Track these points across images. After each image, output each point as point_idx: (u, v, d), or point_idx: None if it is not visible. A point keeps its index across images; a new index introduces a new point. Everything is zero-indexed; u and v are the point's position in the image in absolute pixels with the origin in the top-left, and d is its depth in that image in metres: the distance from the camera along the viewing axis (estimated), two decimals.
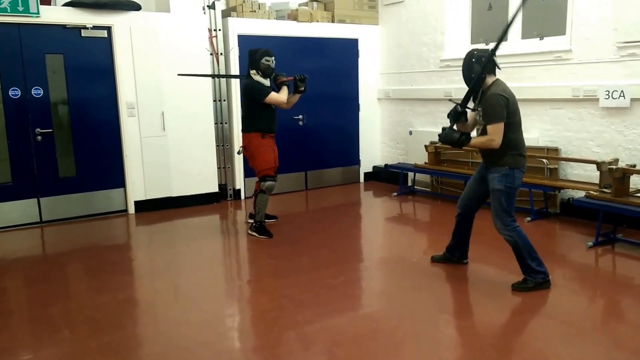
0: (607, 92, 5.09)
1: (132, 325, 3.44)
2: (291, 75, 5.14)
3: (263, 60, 4.98)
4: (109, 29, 5.87)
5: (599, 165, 4.72)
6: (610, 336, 3.11)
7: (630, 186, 4.65)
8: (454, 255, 4.27)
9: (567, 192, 5.53)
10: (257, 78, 5.02)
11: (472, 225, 4.15)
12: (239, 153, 5.45)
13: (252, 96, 5.00)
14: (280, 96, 5.04)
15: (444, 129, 3.76)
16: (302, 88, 5.18)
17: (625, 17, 4.94)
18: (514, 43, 6.17)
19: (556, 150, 5.60)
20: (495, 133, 3.58)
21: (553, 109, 5.67)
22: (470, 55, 3.72)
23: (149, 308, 3.73)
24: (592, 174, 5.17)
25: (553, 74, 5.62)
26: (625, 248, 4.58)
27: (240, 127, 6.68)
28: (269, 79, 5.07)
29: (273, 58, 5.05)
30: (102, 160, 6.05)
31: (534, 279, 3.71)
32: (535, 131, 5.83)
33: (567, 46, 5.47)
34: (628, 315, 3.46)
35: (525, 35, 6.09)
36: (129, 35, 5.93)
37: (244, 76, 5.23)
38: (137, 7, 5.98)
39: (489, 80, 3.67)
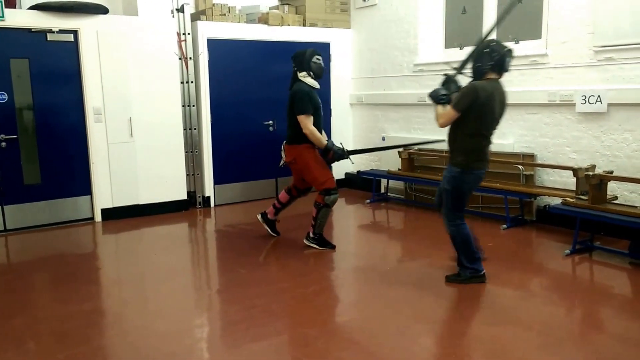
0: (583, 97, 5.05)
1: (99, 337, 3.31)
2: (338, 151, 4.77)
3: (314, 59, 4.71)
4: (75, 32, 5.69)
5: (576, 171, 4.67)
6: (588, 346, 3.05)
7: (608, 193, 4.59)
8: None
9: (544, 199, 5.46)
10: (308, 80, 4.71)
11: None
12: (281, 165, 5.03)
13: (295, 104, 4.62)
14: (317, 135, 4.62)
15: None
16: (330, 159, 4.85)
17: (602, 20, 4.91)
18: None
19: (532, 156, 5.54)
20: (444, 116, 3.65)
21: (529, 114, 5.61)
22: (484, 45, 3.66)
23: (116, 319, 3.59)
24: (568, 181, 5.12)
25: (529, 78, 5.57)
26: (602, 256, 4.51)
27: (210, 133, 6.58)
28: (316, 82, 4.77)
29: (321, 57, 4.79)
30: (68, 167, 5.85)
31: (463, 272, 3.89)
32: (511, 137, 5.76)
33: (543, 50, 5.43)
34: (606, 324, 3.39)
35: (501, 38, 6.02)
36: (95, 39, 5.76)
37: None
38: (105, 11, 5.82)
39: (489, 76, 3.63)
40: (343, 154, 4.76)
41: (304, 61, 4.70)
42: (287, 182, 7.31)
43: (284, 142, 4.90)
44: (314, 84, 4.75)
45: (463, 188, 3.74)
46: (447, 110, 3.62)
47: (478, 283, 3.86)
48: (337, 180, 7.63)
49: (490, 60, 3.56)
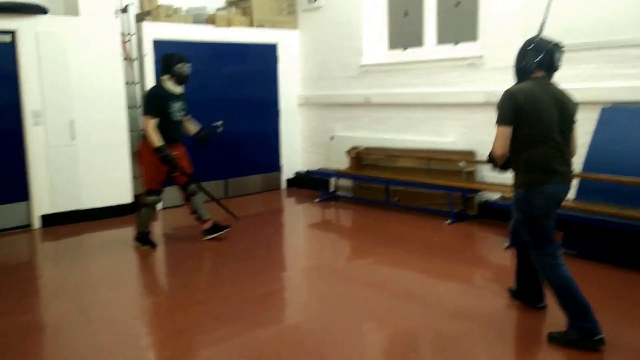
0: None
1: (37, 351, 3.19)
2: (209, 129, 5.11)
3: (179, 65, 4.76)
4: (12, 33, 5.49)
5: None
6: (530, 336, 3.18)
7: None
8: (523, 296, 3.55)
9: (484, 195, 5.68)
10: (168, 84, 4.79)
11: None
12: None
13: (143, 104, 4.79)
14: (153, 137, 4.66)
15: None
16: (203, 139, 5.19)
17: (534, 23, 5.11)
18: (430, 48, 6.31)
19: (472, 153, 5.75)
20: (495, 138, 3.01)
21: (468, 114, 5.83)
22: (527, 42, 3.16)
23: (56, 331, 3.46)
24: (506, 176, 5.32)
25: (466, 79, 5.79)
26: None
27: None
28: (181, 87, 4.86)
29: (189, 65, 4.85)
30: (4, 171, 5.63)
31: (571, 331, 2.96)
32: (452, 135, 5.97)
33: (479, 52, 5.65)
34: (545, 313, 3.55)
35: (441, 41, 6.25)
36: (34, 40, 5.58)
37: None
38: (44, 11, 5.64)
39: (535, 75, 3.12)
40: (170, 161, 4.73)
41: (169, 64, 4.80)
42: (236, 183, 7.34)
43: None
44: (174, 89, 4.80)
45: (533, 210, 3.01)
46: (497, 132, 3.01)
47: (587, 350, 2.89)
48: (287, 179, 7.80)
49: (536, 56, 3.07)
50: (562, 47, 3.11)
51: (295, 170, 7.94)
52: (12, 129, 5.62)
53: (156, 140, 4.68)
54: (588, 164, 4.59)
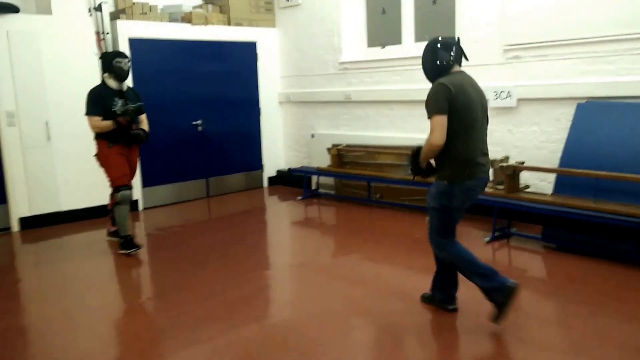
0: (495, 93, 5.35)
1: (16, 357, 3.11)
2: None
3: (114, 62, 4.73)
4: None
5: (492, 163, 4.94)
6: (508, 329, 3.21)
7: (520, 182, 4.91)
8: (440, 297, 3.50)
9: None
10: (110, 82, 4.77)
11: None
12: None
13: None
14: (97, 126, 4.69)
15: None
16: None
17: (510, 21, 5.22)
18: (408, 46, 6.34)
19: None
20: (434, 128, 3.01)
21: None
22: (433, 42, 3.22)
23: (37, 337, 3.40)
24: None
25: None
26: (519, 241, 4.82)
27: None
28: (122, 83, 4.81)
29: (127, 60, 4.82)
30: None
31: (494, 297, 3.14)
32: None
33: None
34: (525, 306, 3.60)
35: (418, 38, 6.28)
36: (6, 40, 5.48)
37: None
38: (15, 10, 5.53)
39: (454, 70, 3.19)
40: (127, 113, 4.73)
41: (105, 62, 4.81)
42: (218, 182, 7.30)
43: None
44: (115, 85, 4.79)
45: (453, 203, 3.13)
46: (433, 122, 3.03)
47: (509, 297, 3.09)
48: (269, 177, 7.79)
49: (449, 53, 3.14)
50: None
51: (277, 168, 7.93)
52: None
53: (104, 125, 4.67)
54: (565, 159, 4.68)
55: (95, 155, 4.88)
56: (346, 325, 3.38)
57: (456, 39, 3.22)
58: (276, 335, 3.23)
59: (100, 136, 4.78)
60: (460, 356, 2.94)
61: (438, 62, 3.16)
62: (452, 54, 3.14)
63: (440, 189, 3.15)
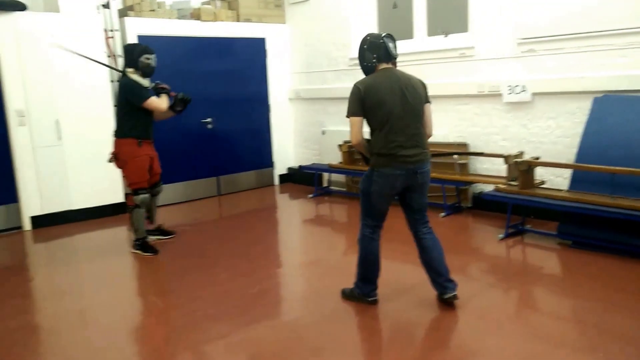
0: (509, 88, 5.26)
1: (29, 355, 3.12)
2: (173, 91, 4.78)
3: (142, 58, 4.60)
4: None
5: (506, 158, 4.86)
6: (524, 326, 3.17)
7: (535, 178, 4.82)
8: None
9: (478, 186, 5.67)
10: (135, 77, 4.61)
11: (424, 244, 3.48)
12: (109, 161, 4.80)
13: (129, 98, 4.57)
14: (162, 103, 4.63)
15: None
16: (180, 109, 4.84)
17: (524, 13, 5.13)
18: (420, 40, 6.26)
19: (465, 145, 5.73)
20: (350, 127, 3.29)
21: (460, 105, 5.80)
22: (362, 41, 3.38)
23: (50, 335, 3.41)
24: (500, 168, 5.33)
25: (458, 70, 5.75)
26: (533, 238, 4.74)
27: None
28: (148, 80, 4.69)
29: (154, 56, 4.69)
30: None
31: (354, 289, 3.56)
32: (445, 127, 5.94)
33: (471, 43, 5.61)
34: (540, 304, 3.56)
35: (431, 32, 6.20)
36: (14, 38, 5.46)
37: (121, 70, 4.75)
38: (22, 7, 5.51)
39: (380, 67, 3.33)
40: (182, 98, 4.79)
41: (132, 57, 4.64)
42: (228, 180, 7.28)
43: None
44: (142, 81, 4.64)
45: (370, 188, 3.33)
46: (349, 122, 3.30)
47: (368, 304, 3.50)
48: (279, 175, 7.75)
49: (372, 52, 3.30)
50: (392, 36, 3.37)
51: (288, 166, 7.89)
52: None
53: (163, 101, 4.63)
54: (581, 154, 4.58)
55: (114, 154, 4.72)
56: (357, 324, 3.35)
57: (383, 35, 3.34)
58: (290, 332, 3.21)
59: (129, 134, 4.63)
60: (474, 353, 2.88)
61: (364, 62, 3.37)
62: (374, 54, 3.30)
63: (365, 174, 3.40)
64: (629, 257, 4.09)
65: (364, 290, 3.51)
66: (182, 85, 6.64)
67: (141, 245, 4.82)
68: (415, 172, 3.28)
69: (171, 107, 4.79)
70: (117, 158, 4.72)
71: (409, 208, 3.44)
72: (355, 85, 3.30)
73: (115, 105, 4.65)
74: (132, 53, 4.63)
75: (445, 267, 3.42)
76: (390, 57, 3.34)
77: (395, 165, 3.24)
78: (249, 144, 7.47)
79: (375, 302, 3.48)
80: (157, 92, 4.68)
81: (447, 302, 3.40)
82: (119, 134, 4.69)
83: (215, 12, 6.88)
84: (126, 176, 4.80)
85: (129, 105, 4.60)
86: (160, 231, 5.23)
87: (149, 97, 4.57)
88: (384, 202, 3.37)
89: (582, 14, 4.75)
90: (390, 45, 3.34)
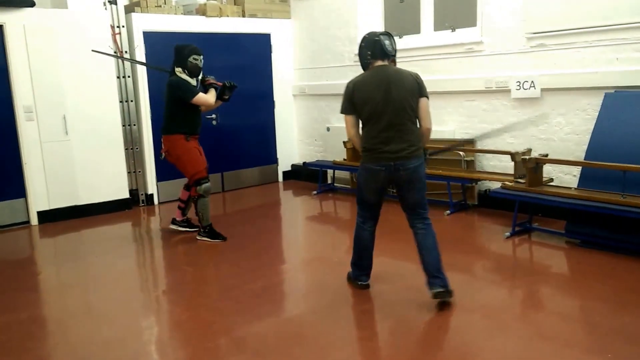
0: (518, 83, 5.20)
1: (39, 347, 3.16)
2: (220, 81, 4.92)
3: (191, 59, 4.70)
4: (0, 27, 5.39)
5: (513, 155, 4.80)
6: (530, 326, 3.13)
7: (544, 175, 4.75)
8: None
9: (485, 184, 5.61)
10: (183, 76, 4.72)
11: (418, 235, 3.56)
12: (162, 158, 5.00)
13: (180, 95, 4.68)
14: (209, 98, 4.79)
15: None
16: (227, 97, 4.99)
17: (534, 7, 5.05)
18: (427, 35, 6.20)
19: (472, 142, 5.66)
20: (346, 127, 3.50)
21: (467, 101, 5.74)
22: (361, 39, 3.47)
23: (57, 327, 3.45)
24: (507, 165, 5.26)
25: (465, 65, 5.69)
26: (540, 237, 4.68)
27: (150, 129, 6.39)
28: (195, 79, 4.79)
29: (202, 57, 4.78)
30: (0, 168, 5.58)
31: (351, 271, 3.76)
32: (451, 123, 5.88)
33: (478, 38, 5.54)
34: (546, 303, 3.51)
35: (438, 27, 6.14)
36: (22, 34, 5.48)
37: (169, 70, 4.85)
38: (31, 4, 5.53)
39: (375, 65, 3.39)
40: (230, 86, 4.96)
41: (181, 57, 4.74)
42: (233, 176, 7.26)
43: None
44: (190, 80, 4.76)
45: (360, 179, 3.53)
46: (344, 119, 3.47)
47: (356, 288, 3.68)
48: (283, 171, 7.71)
49: (367, 49, 3.38)
50: (390, 33, 3.45)
51: (292, 163, 7.86)
52: (7, 125, 5.55)
53: (211, 95, 4.80)
54: (591, 151, 4.51)
55: (166, 151, 4.85)
56: (361, 320, 3.33)
57: (379, 33, 3.42)
58: (292, 329, 3.20)
59: (178, 130, 4.75)
60: (479, 353, 2.84)
61: (362, 60, 3.45)
62: (369, 51, 3.37)
63: (359, 167, 3.54)
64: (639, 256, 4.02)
65: (354, 273, 3.72)
66: None
67: (209, 232, 4.92)
68: (398, 169, 3.30)
69: (219, 97, 4.94)
70: (169, 154, 4.85)
71: (403, 203, 3.50)
72: (347, 83, 3.43)
73: (165, 103, 4.86)
74: (182, 53, 4.73)
75: (433, 264, 3.37)
76: (386, 55, 3.37)
77: (376, 160, 3.34)
78: (253, 140, 7.44)
79: (365, 287, 3.65)
80: (206, 87, 4.83)
81: (434, 299, 3.31)
82: (168, 130, 4.81)
83: (220, 7, 6.85)
84: (183, 170, 4.90)
85: (177, 103, 4.72)
86: (188, 223, 5.30)
87: (197, 92, 4.70)
88: (370, 195, 3.49)
89: (593, 7, 4.66)
90: (387, 42, 3.37)
